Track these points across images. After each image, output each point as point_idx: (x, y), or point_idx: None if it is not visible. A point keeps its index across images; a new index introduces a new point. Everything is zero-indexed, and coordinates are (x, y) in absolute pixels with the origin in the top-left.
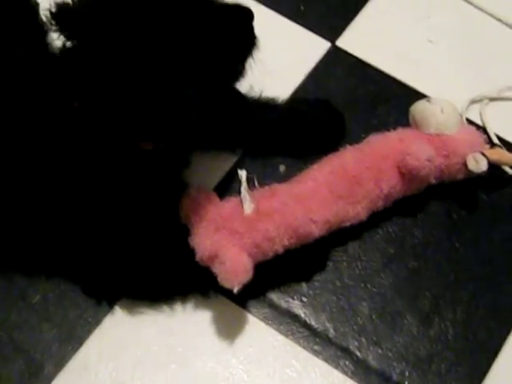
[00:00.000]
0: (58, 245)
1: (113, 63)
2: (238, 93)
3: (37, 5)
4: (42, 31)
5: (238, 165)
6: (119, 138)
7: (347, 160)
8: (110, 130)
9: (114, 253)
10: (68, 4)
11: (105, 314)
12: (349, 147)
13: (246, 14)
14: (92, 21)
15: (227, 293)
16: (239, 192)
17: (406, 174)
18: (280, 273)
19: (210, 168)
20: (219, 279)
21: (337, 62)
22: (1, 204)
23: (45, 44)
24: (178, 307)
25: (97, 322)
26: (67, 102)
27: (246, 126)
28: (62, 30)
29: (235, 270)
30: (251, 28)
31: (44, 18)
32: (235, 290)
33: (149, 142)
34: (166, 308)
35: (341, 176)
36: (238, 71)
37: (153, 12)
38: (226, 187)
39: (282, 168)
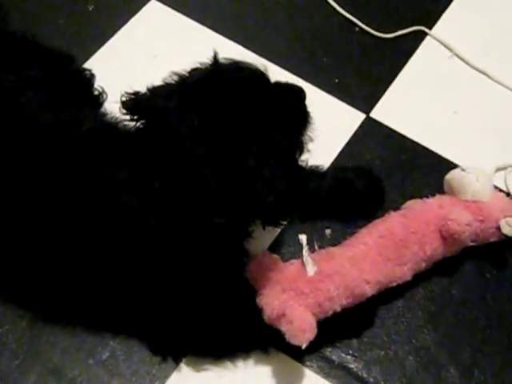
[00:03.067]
0: (126, 303)
1: (192, 144)
2: (301, 167)
3: (92, 76)
4: (95, 102)
5: (289, 229)
6: (196, 214)
7: (393, 225)
8: (189, 208)
9: (181, 311)
10: (138, 92)
11: (172, 370)
12: (393, 213)
13: (300, 94)
14: (163, 106)
15: (285, 348)
16: (300, 255)
17: (448, 238)
18: (333, 329)
19: (261, 232)
20: (287, 337)
21: (371, 132)
22: (76, 268)
23: (99, 116)
24: (241, 363)
25: (164, 377)
26: (147, 183)
27: (304, 195)
28: (131, 114)
29: (303, 328)
30: (305, 106)
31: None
32: (303, 347)
33: (222, 218)
34: (229, 364)
35: (389, 240)
36: (301, 147)
37: (222, 97)
38: (280, 249)
39: (328, 232)
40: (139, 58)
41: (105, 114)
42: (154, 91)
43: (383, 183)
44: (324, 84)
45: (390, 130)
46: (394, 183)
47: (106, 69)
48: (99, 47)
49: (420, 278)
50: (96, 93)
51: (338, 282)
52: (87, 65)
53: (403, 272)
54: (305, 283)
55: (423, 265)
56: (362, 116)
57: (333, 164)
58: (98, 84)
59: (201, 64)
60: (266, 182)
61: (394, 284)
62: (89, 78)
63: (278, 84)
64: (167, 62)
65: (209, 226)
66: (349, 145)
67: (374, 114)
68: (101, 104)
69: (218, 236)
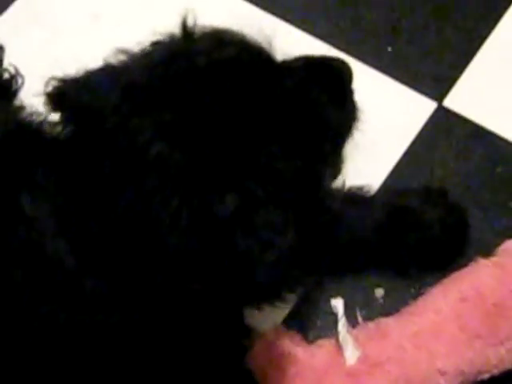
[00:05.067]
0: None
1: (139, 171)
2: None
3: None
4: (3, 91)
5: (318, 288)
6: (154, 278)
7: (483, 280)
8: (141, 270)
9: None
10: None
11: None
12: (482, 261)
13: (341, 74)
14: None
15: None
16: (325, 333)
17: None
18: None
19: None
20: None
21: (446, 131)
22: None
23: None
24: None
25: None
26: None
27: (330, 240)
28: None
29: None
30: (351, 94)
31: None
32: None
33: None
34: None
35: (475, 305)
36: (334, 167)
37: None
38: (299, 325)
39: (379, 293)
40: (73, 19)
41: (19, 110)
42: (86, 80)
43: (466, 214)
44: (371, 55)
45: (476, 126)
46: (482, 213)
47: (21, 38)
48: (8, 5)
49: None
50: (6, 76)
51: (394, 374)
52: None
53: (500, 356)
54: (342, 377)
55: None
56: (432, 105)
57: (385, 184)
58: (9, 62)
59: (164, 35)
60: (257, 237)
61: (487, 375)
62: None
63: (295, 63)
64: (116, 25)
65: (180, 294)
66: (411, 152)
67: (449, 102)
68: (13, 94)
69: (198, 308)
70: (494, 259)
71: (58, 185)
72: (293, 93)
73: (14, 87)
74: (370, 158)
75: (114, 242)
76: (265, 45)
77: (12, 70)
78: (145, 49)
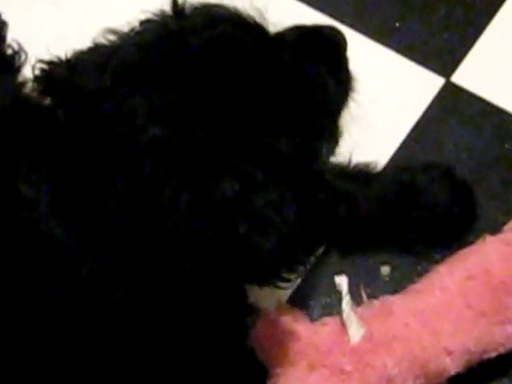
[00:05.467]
0: None
1: (137, 154)
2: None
3: (3, 25)
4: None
5: (321, 268)
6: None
7: (490, 258)
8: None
9: None
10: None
11: None
12: (489, 238)
13: (336, 44)
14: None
15: None
16: (330, 310)
17: None
18: None
19: None
20: None
21: (454, 107)
22: None
23: None
24: None
25: None
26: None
27: (333, 217)
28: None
29: None
30: (345, 64)
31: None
32: None
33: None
34: None
35: (482, 283)
36: (333, 140)
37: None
38: (304, 302)
39: (385, 270)
40: None
41: (21, 86)
42: (76, 62)
43: (474, 191)
44: (378, 30)
45: (485, 102)
46: (491, 190)
47: (25, 12)
48: None
49: None
50: (9, 52)
51: (399, 352)
52: None
53: (507, 334)
54: (346, 355)
55: None
56: (440, 81)
57: (393, 160)
58: (13, 37)
59: (155, 13)
60: (258, 218)
61: (493, 354)
62: None
63: (289, 35)
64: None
65: (179, 274)
66: (418, 128)
67: (457, 78)
68: (17, 69)
69: (199, 287)
70: (501, 236)
71: (55, 166)
72: (290, 67)
73: (18, 63)
74: (377, 134)
75: (112, 224)
76: (258, 18)
77: (15, 46)
78: (135, 28)
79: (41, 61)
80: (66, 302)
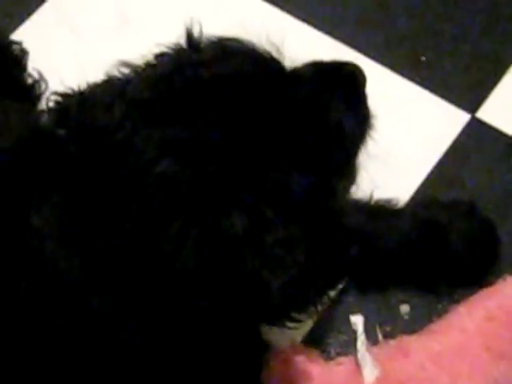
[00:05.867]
0: None
1: (141, 191)
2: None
3: (24, 54)
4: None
5: (339, 306)
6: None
7: (511, 300)
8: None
9: None
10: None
11: None
12: (510, 278)
13: (354, 80)
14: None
15: None
16: (348, 349)
17: None
18: None
19: None
20: None
21: (480, 143)
22: None
23: None
24: None
25: None
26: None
27: (346, 256)
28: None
29: None
30: (364, 100)
31: None
32: None
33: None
34: None
35: (502, 324)
36: (350, 177)
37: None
38: (321, 341)
39: (404, 309)
40: (101, 23)
41: (41, 116)
42: (89, 94)
43: (497, 229)
44: (403, 64)
45: (510, 139)
46: None
47: (48, 41)
48: (37, 7)
49: None
50: (29, 81)
51: None
52: (15, 36)
53: None
54: None
55: None
56: (466, 117)
57: (415, 197)
58: (33, 66)
59: (170, 47)
60: (266, 257)
61: None
62: (18, 57)
63: (305, 70)
64: (144, 30)
65: (190, 311)
66: (442, 164)
67: (483, 114)
68: (37, 98)
69: (211, 325)
70: None
71: (65, 199)
72: (304, 102)
73: (38, 92)
74: (400, 170)
75: (120, 260)
76: (274, 52)
77: (36, 75)
78: (149, 61)
79: (55, 93)
80: (73, 335)
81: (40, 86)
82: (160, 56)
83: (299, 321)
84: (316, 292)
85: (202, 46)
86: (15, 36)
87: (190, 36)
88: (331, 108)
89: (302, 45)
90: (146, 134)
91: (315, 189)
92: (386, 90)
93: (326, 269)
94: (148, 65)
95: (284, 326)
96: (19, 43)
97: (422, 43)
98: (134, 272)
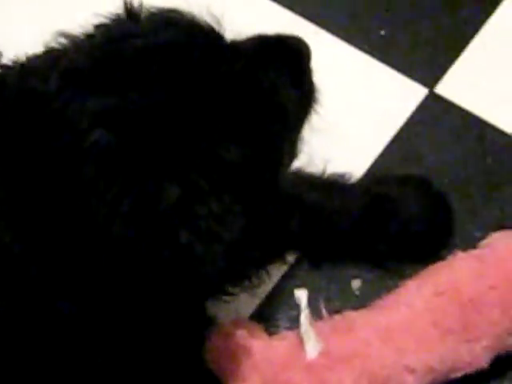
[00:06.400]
0: None
1: (79, 155)
2: (288, 195)
3: None
4: None
5: (290, 280)
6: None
7: (459, 275)
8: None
9: None
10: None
11: None
12: (460, 254)
13: (298, 53)
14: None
15: None
16: (297, 324)
17: None
18: None
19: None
20: None
21: (436, 118)
22: None
23: None
24: None
25: None
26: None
27: (301, 226)
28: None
29: None
30: (308, 75)
31: None
32: None
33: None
34: None
35: (450, 300)
36: (290, 151)
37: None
38: (271, 315)
39: (355, 284)
40: None
41: None
42: (27, 66)
43: (452, 204)
44: (361, 39)
45: (469, 114)
46: (470, 204)
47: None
48: None
49: (507, 363)
50: None
51: (358, 369)
52: None
53: (475, 353)
54: (302, 372)
55: (510, 342)
56: (423, 91)
57: (370, 172)
58: None
59: (109, 17)
60: (201, 228)
61: (459, 373)
62: None
63: (247, 43)
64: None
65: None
66: (398, 140)
67: (441, 89)
68: None
69: (144, 295)
70: (474, 253)
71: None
72: (240, 75)
73: None
74: (357, 144)
75: (56, 229)
76: (215, 24)
77: None
78: (87, 32)
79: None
80: (15, 306)
81: None
82: (99, 26)
83: (232, 294)
84: (251, 265)
85: (142, 17)
86: None
87: (129, 7)
88: (269, 81)
89: (262, 19)
90: (80, 104)
91: (251, 161)
92: (344, 64)
93: (262, 242)
94: (87, 35)
95: (218, 299)
96: None
97: (381, 17)
98: (70, 242)
